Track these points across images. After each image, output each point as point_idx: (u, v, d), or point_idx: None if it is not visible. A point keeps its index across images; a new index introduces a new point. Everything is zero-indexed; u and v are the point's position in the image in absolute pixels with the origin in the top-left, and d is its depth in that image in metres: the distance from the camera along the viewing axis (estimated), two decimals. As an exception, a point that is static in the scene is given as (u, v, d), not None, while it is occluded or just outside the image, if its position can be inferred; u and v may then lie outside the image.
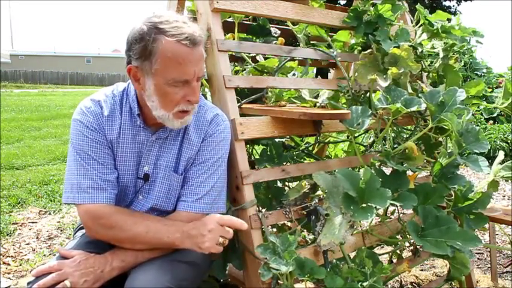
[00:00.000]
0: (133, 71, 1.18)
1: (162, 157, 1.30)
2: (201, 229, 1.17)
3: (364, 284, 1.24)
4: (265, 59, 1.77)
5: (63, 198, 1.24)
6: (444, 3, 20.07)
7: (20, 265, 2.42)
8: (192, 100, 1.19)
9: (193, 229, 1.19)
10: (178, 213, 1.28)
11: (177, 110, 1.19)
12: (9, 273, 2.32)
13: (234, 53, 1.76)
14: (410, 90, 1.68)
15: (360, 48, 1.88)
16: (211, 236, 1.16)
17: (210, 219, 1.19)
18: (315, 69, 2.95)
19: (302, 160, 1.86)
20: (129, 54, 1.17)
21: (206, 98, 1.53)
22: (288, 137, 1.86)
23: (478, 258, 2.57)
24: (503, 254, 2.63)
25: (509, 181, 1.59)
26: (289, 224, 1.89)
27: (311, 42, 1.98)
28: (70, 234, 2.89)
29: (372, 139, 2.01)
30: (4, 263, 2.43)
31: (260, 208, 1.64)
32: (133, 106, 1.26)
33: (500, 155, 1.71)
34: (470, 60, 7.36)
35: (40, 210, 3.35)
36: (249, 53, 1.78)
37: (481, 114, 6.46)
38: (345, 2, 17.32)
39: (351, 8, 1.83)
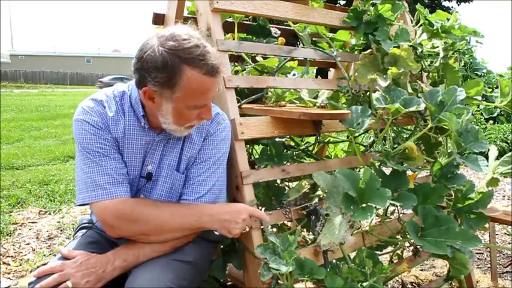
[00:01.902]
0: (150, 93, 1.16)
1: (166, 157, 1.30)
2: (236, 217, 1.24)
3: (364, 284, 1.24)
4: (265, 59, 1.77)
5: (78, 200, 1.20)
6: (444, 3, 20.09)
7: (20, 265, 2.42)
8: (206, 118, 1.23)
9: (227, 214, 1.24)
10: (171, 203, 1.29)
11: (189, 124, 1.22)
12: (9, 273, 2.32)
13: (234, 53, 1.76)
14: (410, 90, 1.68)
15: (360, 48, 1.88)
16: (242, 225, 1.25)
17: (244, 209, 1.27)
18: (315, 69, 2.95)
19: (302, 160, 1.86)
20: (145, 76, 1.13)
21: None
22: (288, 137, 1.86)
23: (478, 258, 2.57)
24: (503, 254, 2.63)
25: (508, 177, 1.58)
26: (289, 224, 1.89)
27: (313, 40, 1.98)
28: (70, 234, 2.89)
29: (371, 139, 2.01)
30: (4, 263, 2.43)
31: (260, 208, 1.64)
32: (136, 108, 1.25)
33: (492, 150, 1.69)
34: (470, 60, 7.36)
35: (40, 210, 3.35)
36: (249, 53, 1.78)
37: (481, 114, 6.46)
38: (344, 2, 17.32)
39: (351, 8, 1.84)
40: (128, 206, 1.19)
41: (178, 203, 1.29)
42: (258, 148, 1.81)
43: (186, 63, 1.10)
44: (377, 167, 1.56)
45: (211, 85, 1.16)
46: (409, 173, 1.50)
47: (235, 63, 1.86)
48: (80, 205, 1.21)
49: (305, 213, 1.46)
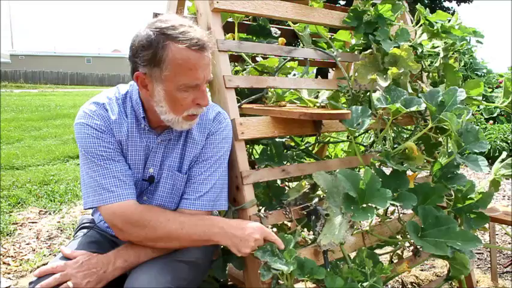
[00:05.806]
0: (141, 78, 1.17)
1: (167, 158, 1.30)
2: (248, 235, 1.19)
3: (364, 284, 1.24)
4: (265, 59, 1.77)
5: (86, 204, 1.20)
6: (444, 3, 20.09)
7: (20, 265, 2.42)
8: (202, 104, 1.20)
9: (239, 230, 1.21)
10: (180, 211, 1.28)
11: (187, 114, 1.20)
12: (9, 273, 2.32)
13: (234, 53, 1.76)
14: (410, 90, 1.68)
15: (360, 48, 1.88)
16: (253, 245, 1.20)
17: (258, 230, 1.22)
18: (315, 69, 2.94)
19: (302, 160, 1.86)
20: (135, 61, 1.16)
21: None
22: (288, 137, 1.86)
23: (478, 258, 2.57)
24: (503, 254, 2.63)
25: (509, 179, 1.60)
26: (289, 224, 1.89)
27: (313, 39, 1.98)
28: (70, 234, 2.89)
29: (372, 139, 2.01)
30: (4, 263, 2.43)
31: (260, 208, 1.64)
32: (137, 109, 1.25)
33: (502, 155, 1.71)
34: (471, 60, 7.36)
35: (40, 210, 3.35)
36: (249, 53, 1.78)
37: (481, 114, 6.46)
38: (344, 2, 17.32)
39: (351, 8, 1.83)
40: (137, 211, 1.18)
41: (192, 213, 1.26)
42: (258, 148, 1.81)
43: (170, 39, 1.12)
44: (377, 167, 1.56)
45: (198, 61, 1.14)
46: (409, 173, 1.50)
47: (235, 63, 1.86)
48: (88, 208, 1.21)
49: (305, 213, 1.46)
